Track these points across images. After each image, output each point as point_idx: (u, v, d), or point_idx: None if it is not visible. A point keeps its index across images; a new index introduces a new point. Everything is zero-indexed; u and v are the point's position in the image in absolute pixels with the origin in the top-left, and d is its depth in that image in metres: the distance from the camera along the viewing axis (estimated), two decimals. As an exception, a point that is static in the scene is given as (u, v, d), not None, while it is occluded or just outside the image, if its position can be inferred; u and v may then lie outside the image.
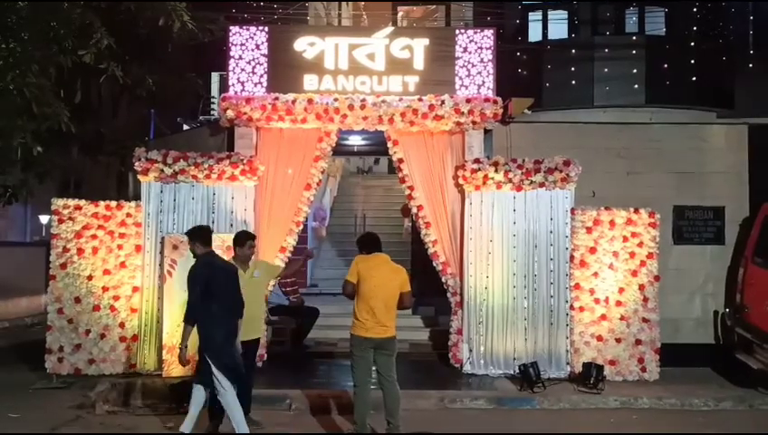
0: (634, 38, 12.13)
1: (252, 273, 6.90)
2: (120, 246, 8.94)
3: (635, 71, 11.53)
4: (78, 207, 8.88)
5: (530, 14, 13.59)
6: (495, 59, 9.68)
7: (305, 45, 9.69)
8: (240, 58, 9.66)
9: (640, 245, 8.91)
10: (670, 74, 11.53)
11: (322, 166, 9.58)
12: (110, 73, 8.88)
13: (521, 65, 12.33)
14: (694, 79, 11.51)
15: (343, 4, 15.72)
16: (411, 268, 13.46)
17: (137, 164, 8.93)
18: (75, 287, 8.77)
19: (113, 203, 9.04)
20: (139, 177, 9.05)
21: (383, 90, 9.59)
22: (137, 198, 9.24)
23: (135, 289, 8.93)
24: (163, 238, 8.72)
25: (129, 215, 8.99)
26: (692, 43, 11.90)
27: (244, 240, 6.87)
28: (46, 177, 10.57)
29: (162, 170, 8.92)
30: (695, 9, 12.39)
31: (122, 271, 8.92)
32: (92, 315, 8.78)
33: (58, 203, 8.90)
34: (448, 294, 9.41)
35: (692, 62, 11.64)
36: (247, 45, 9.67)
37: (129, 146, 9.69)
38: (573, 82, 11.84)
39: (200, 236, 6.37)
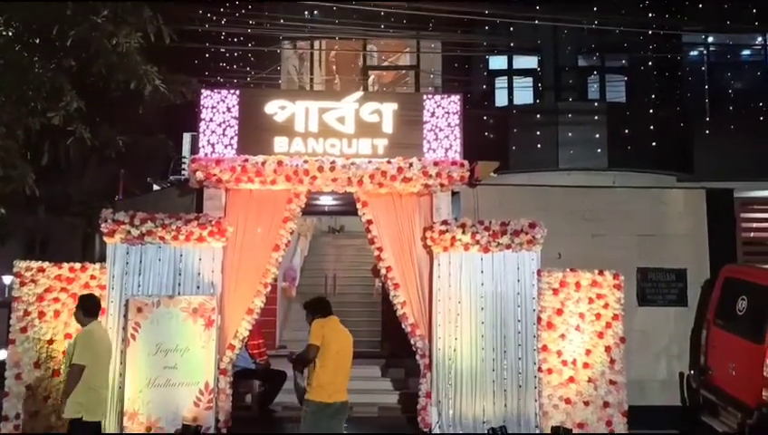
0: (596, 104, 12.53)
1: None
2: (83, 309, 8.78)
3: (597, 135, 11.87)
4: (41, 270, 8.75)
5: (496, 79, 13.98)
6: (462, 123, 9.90)
7: (276, 108, 9.83)
8: (211, 120, 9.76)
9: (606, 306, 9.01)
10: (631, 139, 11.89)
11: (291, 227, 9.60)
12: (79, 135, 8.89)
13: (487, 129, 12.62)
14: (654, 144, 11.87)
15: (315, 68, 16.05)
16: (381, 329, 13.42)
17: (103, 226, 8.86)
18: (35, 352, 8.56)
19: (77, 265, 8.93)
20: (105, 238, 8.97)
21: (353, 152, 9.71)
22: (103, 259, 9.14)
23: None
24: (127, 301, 8.61)
25: (93, 277, 8.88)
26: (651, 110, 12.32)
27: None
28: (9, 238, 10.43)
29: (129, 232, 8.86)
30: (653, 78, 12.88)
31: (85, 334, 8.74)
32: (51, 381, 8.55)
33: (20, 265, 8.76)
34: (417, 357, 9.36)
35: (651, 127, 12.03)
36: (218, 108, 9.79)
37: (96, 207, 9.63)
38: (539, 145, 12.12)
39: None
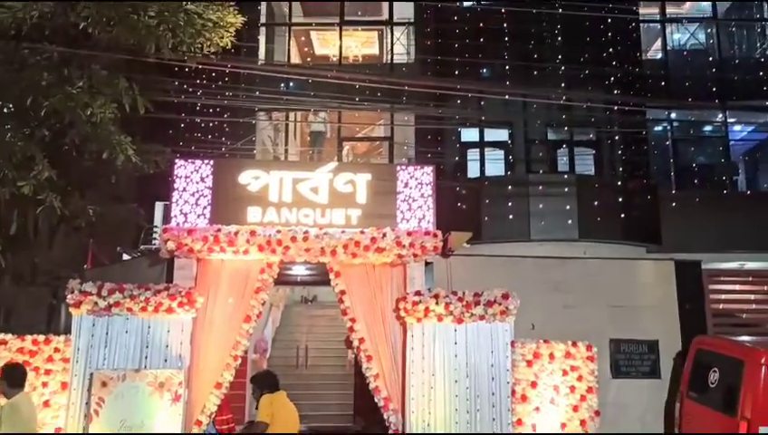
0: (566, 176, 12.80)
1: None
2: (44, 384, 8.51)
3: (568, 207, 12.08)
4: (3, 342, 8.52)
5: (468, 151, 14.26)
6: (435, 194, 10.00)
7: (250, 179, 9.85)
8: (184, 190, 9.74)
9: (579, 379, 8.95)
10: (601, 211, 12.12)
11: (263, 298, 9.48)
12: (49, 204, 8.77)
13: (460, 200, 12.78)
14: (623, 216, 12.12)
15: (290, 138, 16.24)
16: (354, 403, 13.14)
17: (69, 296, 8.68)
18: (-7, 428, 8.20)
19: (41, 337, 8.69)
20: (71, 309, 8.76)
21: (326, 222, 9.72)
22: (68, 331, 8.90)
23: (58, 430, 8.41)
24: (92, 375, 8.35)
25: (57, 350, 8.64)
26: (619, 183, 12.63)
27: None
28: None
29: (96, 303, 8.67)
30: (620, 152, 13.26)
31: (45, 410, 8.42)
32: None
33: (-19, 338, 8.52)
34: (390, 432, 9.14)
35: (620, 199, 12.31)
36: (192, 178, 9.79)
37: (63, 277, 9.44)
38: (510, 216, 12.29)
39: None
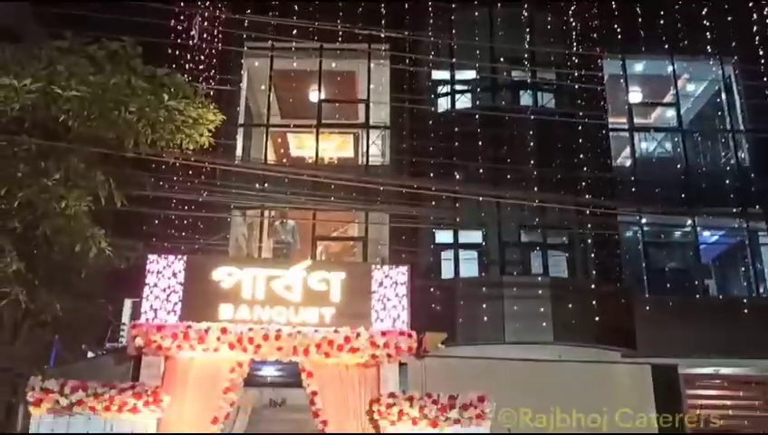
0: (539, 279, 12.83)
1: None
2: (-5, 489, 8.02)
3: (542, 309, 12.04)
4: (-47, 443, 8.04)
5: (442, 252, 14.29)
6: (410, 294, 9.95)
7: (223, 275, 9.77)
8: (155, 285, 9.61)
9: (559, 487, 8.68)
10: (575, 314, 12.09)
11: (232, 398, 9.18)
12: (14, 298, 8.53)
13: (434, 301, 12.68)
14: (597, 319, 12.09)
15: (264, 236, 16.16)
16: None
17: (30, 394, 8.33)
18: None
19: (-5, 438, 8.25)
20: (31, 408, 8.39)
21: (299, 320, 9.59)
22: (25, 431, 8.47)
23: None
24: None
25: (12, 452, 8.19)
26: (593, 286, 12.70)
27: None
28: None
29: (57, 401, 8.33)
30: (593, 255, 13.39)
31: None
32: None
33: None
34: None
35: (594, 303, 12.31)
36: (164, 273, 9.68)
37: (25, 374, 9.07)
38: (485, 318, 12.20)
39: None
